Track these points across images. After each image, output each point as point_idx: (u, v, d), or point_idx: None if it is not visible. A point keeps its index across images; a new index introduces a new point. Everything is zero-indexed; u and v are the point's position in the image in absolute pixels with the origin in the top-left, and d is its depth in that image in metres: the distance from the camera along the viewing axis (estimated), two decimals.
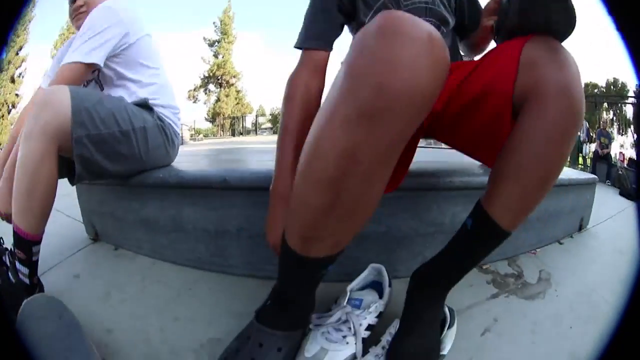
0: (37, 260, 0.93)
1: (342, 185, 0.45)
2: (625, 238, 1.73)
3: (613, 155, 7.29)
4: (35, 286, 0.92)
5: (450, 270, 0.71)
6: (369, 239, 0.98)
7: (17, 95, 17.64)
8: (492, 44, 0.83)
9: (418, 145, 0.79)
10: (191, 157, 1.56)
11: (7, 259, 0.92)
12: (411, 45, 0.39)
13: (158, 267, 1.13)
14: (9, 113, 17.32)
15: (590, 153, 7.83)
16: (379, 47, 0.40)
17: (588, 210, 1.75)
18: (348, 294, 0.76)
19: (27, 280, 0.90)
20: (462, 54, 1.06)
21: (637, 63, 0.44)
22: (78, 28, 1.20)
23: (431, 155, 1.79)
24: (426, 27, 0.41)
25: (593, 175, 1.87)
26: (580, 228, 1.67)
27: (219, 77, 21.36)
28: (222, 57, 21.44)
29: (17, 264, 0.89)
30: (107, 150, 0.99)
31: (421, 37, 0.40)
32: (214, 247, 1.05)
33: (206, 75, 21.62)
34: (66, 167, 0.99)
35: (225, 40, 21.46)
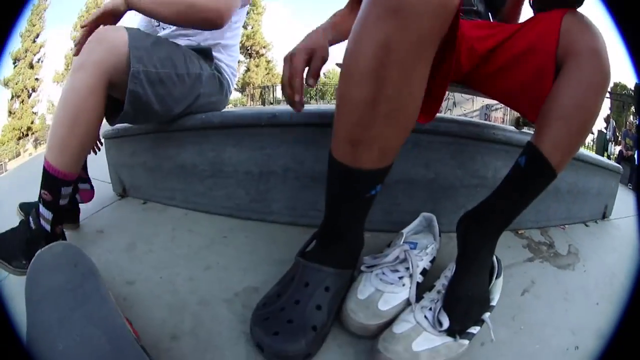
0: (64, 206, 0.88)
1: (382, 75, 0.49)
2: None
3: (637, 160, 7.22)
4: (58, 237, 0.87)
5: (504, 209, 0.71)
6: (417, 185, 0.98)
7: (36, 79, 18.00)
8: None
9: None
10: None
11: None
12: None
13: (190, 217, 1.10)
14: (29, 97, 17.68)
15: (616, 153, 7.87)
16: None
17: (612, 200, 1.78)
18: (404, 235, 0.72)
19: (48, 227, 0.84)
20: None
21: (637, 63, 0.49)
22: None
23: None
24: None
25: (618, 165, 1.87)
26: (604, 216, 1.70)
27: (249, 48, 21.10)
28: (252, 28, 21.12)
29: (41, 208, 0.84)
30: (161, 90, 0.96)
31: None
32: (255, 192, 1.03)
33: None
34: (107, 107, 0.94)
35: (254, 11, 21.16)
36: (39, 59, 18.29)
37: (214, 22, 0.98)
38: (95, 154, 1.14)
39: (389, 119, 0.53)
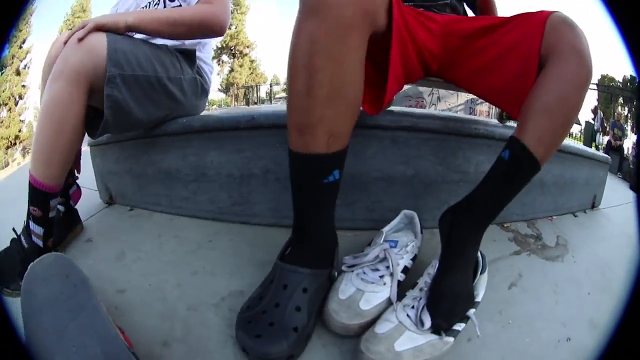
0: (54, 219, 0.88)
1: (311, 64, 0.58)
2: (635, 224, 1.72)
3: (625, 149, 7.30)
4: (50, 250, 0.86)
5: (489, 203, 0.71)
6: (397, 183, 0.98)
7: (23, 86, 17.74)
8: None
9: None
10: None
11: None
12: None
13: (176, 222, 1.09)
14: (16, 105, 17.44)
15: (604, 143, 7.90)
16: None
17: (601, 189, 1.79)
18: (383, 234, 0.72)
19: (40, 243, 0.84)
20: None
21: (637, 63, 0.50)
22: None
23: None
24: None
25: (607, 155, 1.90)
26: (593, 206, 1.71)
27: (232, 48, 20.94)
28: (236, 27, 20.89)
29: (31, 224, 0.83)
30: (139, 94, 0.94)
31: None
32: (238, 195, 1.03)
33: (219, 46, 21.00)
34: (89, 120, 0.92)
35: (238, 11, 20.98)
36: (25, 65, 18.01)
37: (218, 33, 1.04)
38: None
39: (327, 102, 0.60)
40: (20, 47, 17.38)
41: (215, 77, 21.34)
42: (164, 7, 1.11)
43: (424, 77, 0.92)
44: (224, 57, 21.42)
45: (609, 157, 1.91)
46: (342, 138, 0.64)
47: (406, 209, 0.86)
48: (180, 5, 1.10)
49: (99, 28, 0.86)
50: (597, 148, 8.55)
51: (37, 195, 0.83)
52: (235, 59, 21.30)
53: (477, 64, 0.84)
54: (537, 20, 0.74)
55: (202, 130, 1.04)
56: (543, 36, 0.71)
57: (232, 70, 21.14)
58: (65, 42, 0.84)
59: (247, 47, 21.42)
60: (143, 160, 1.18)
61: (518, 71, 0.75)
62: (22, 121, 17.78)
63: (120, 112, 0.91)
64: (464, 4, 1.12)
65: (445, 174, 1.02)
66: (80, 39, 0.83)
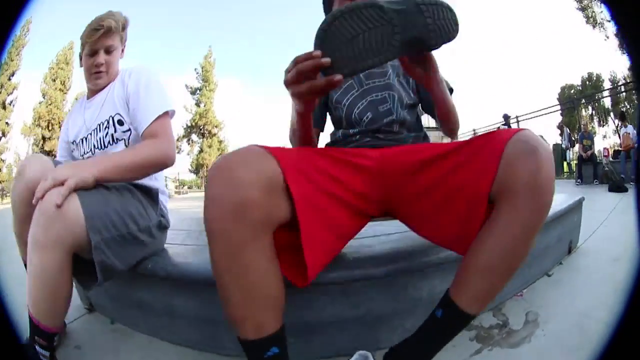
0: (57, 345, 0.96)
1: (218, 280, 0.62)
2: (619, 242, 1.73)
3: (597, 153, 7.38)
4: None
5: (422, 354, 0.73)
6: (349, 321, 1.00)
7: (7, 124, 17.49)
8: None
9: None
10: (177, 234, 1.58)
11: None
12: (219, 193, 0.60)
13: (155, 345, 1.13)
14: None
15: (575, 157, 7.81)
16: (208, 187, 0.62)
17: (576, 231, 1.73)
18: None
19: None
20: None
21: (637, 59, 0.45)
22: (94, 86, 1.24)
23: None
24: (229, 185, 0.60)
25: (579, 197, 1.82)
26: (570, 251, 1.65)
27: (202, 127, 21.37)
28: (204, 105, 21.52)
29: (38, 348, 0.89)
30: (119, 251, 1.00)
31: (221, 193, 0.60)
32: (207, 332, 1.06)
33: (189, 124, 21.63)
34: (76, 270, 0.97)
35: (207, 87, 21.62)
36: (11, 102, 17.85)
37: (169, 166, 1.12)
38: None
39: (243, 307, 0.63)
40: (9, 79, 17.26)
41: (185, 157, 22.11)
42: (115, 131, 1.17)
43: (369, 221, 0.92)
44: (194, 137, 21.95)
45: (583, 197, 1.84)
46: (272, 325, 0.65)
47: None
48: (129, 130, 1.17)
49: (72, 189, 0.89)
50: (569, 165, 8.67)
51: (41, 333, 0.89)
52: (205, 139, 21.64)
53: (422, 206, 0.80)
54: (491, 153, 0.67)
55: (167, 278, 1.08)
56: (496, 172, 0.64)
57: (201, 150, 21.51)
58: (42, 197, 0.86)
59: (216, 126, 21.75)
60: (116, 286, 1.22)
61: (464, 216, 0.70)
62: (3, 160, 17.51)
63: (109, 272, 0.97)
64: (418, 110, 1.11)
65: (397, 306, 1.03)
66: (59, 206, 0.85)
